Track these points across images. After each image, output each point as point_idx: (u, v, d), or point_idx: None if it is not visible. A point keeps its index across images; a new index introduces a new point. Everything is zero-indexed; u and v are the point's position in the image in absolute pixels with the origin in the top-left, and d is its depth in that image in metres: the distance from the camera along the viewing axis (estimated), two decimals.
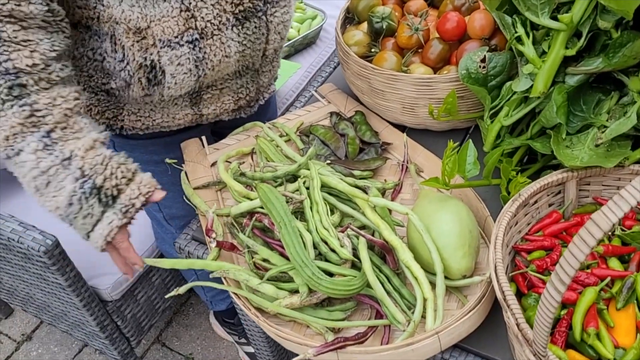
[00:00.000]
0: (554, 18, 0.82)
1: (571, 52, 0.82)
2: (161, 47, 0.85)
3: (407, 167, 0.97)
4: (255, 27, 0.92)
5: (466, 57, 0.92)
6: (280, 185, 0.92)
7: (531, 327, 0.64)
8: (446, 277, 0.78)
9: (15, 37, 0.73)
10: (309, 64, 1.94)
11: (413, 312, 0.76)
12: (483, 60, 0.91)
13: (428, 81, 0.94)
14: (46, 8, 0.75)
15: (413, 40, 1.00)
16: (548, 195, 0.81)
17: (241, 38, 0.91)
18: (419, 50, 1.02)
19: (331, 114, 1.07)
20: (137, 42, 0.84)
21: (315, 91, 1.13)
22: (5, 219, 1.17)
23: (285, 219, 0.81)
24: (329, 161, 0.94)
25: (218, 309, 1.48)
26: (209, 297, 1.42)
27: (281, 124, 1.05)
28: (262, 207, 0.87)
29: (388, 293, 0.78)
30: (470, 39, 0.98)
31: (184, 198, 0.94)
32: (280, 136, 1.04)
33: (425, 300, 0.75)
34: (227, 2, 0.86)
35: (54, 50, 0.77)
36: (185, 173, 0.99)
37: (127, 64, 0.86)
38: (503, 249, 0.72)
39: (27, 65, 0.74)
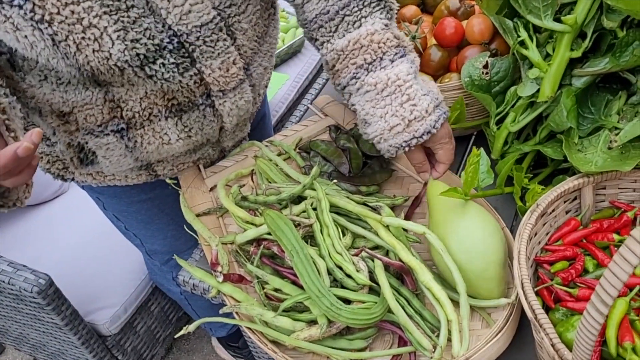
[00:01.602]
0: (557, 20, 0.80)
1: (577, 53, 0.80)
2: (84, 134, 0.80)
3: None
4: (199, 117, 0.85)
5: (468, 64, 0.89)
6: (285, 207, 0.89)
7: (564, 344, 0.62)
8: (469, 296, 0.75)
9: None
10: (296, 74, 1.91)
11: (437, 336, 0.73)
12: (485, 66, 0.89)
13: None
14: None
15: None
16: (565, 203, 0.79)
17: (180, 128, 0.84)
18: None
19: (330, 127, 1.04)
20: (62, 124, 0.79)
21: (311, 104, 1.10)
22: None
23: (297, 246, 0.77)
24: (335, 181, 0.91)
25: (219, 335, 1.44)
26: (207, 325, 1.38)
27: (279, 142, 1.01)
28: (269, 234, 0.84)
29: (410, 317, 0.74)
30: (469, 45, 0.95)
31: (185, 227, 0.90)
32: (279, 154, 1.00)
33: (449, 321, 0.72)
34: (156, 96, 0.79)
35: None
36: (184, 197, 0.95)
37: (57, 142, 0.81)
38: (527, 264, 0.69)
39: None
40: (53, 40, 0.67)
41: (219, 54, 0.79)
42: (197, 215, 0.91)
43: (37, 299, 1.07)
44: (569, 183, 0.77)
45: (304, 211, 0.86)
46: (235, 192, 0.91)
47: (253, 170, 0.96)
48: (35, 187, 1.60)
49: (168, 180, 0.93)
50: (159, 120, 0.82)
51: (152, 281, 1.38)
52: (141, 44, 0.71)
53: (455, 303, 0.74)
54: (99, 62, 0.70)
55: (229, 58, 0.81)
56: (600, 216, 0.79)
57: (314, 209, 0.85)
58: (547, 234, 0.79)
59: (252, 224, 0.87)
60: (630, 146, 0.78)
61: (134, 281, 1.39)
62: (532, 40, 0.84)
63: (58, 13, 0.65)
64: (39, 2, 0.64)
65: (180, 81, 0.78)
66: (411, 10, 1.05)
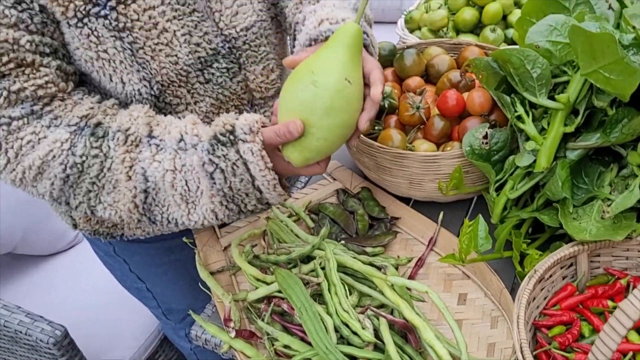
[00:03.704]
0: (552, 98, 0.87)
1: (570, 129, 0.86)
2: None
3: (431, 248, 0.99)
4: None
5: (469, 134, 0.96)
6: (295, 266, 0.93)
7: None
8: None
9: (66, 99, 0.74)
10: None
11: None
12: (485, 137, 0.95)
13: (434, 158, 0.97)
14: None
15: (415, 118, 1.04)
16: (561, 269, 0.83)
17: None
18: (421, 127, 1.06)
19: (338, 191, 1.10)
20: None
21: None
22: (12, 311, 1.15)
23: (306, 304, 0.82)
24: (343, 242, 0.96)
25: None
26: None
27: (290, 204, 1.07)
28: (279, 292, 0.88)
29: None
30: (470, 116, 1.02)
31: (199, 285, 0.95)
32: (290, 215, 1.05)
33: None
34: (213, 112, 0.86)
35: (94, 94, 0.78)
36: (199, 255, 0.99)
37: None
38: (526, 328, 0.73)
39: (86, 110, 0.74)
40: (131, 48, 0.75)
41: (261, 59, 0.89)
42: (212, 273, 0.95)
43: (53, 350, 1.10)
44: (565, 250, 0.82)
45: (312, 270, 0.91)
46: (248, 251, 0.96)
47: (265, 230, 1.02)
48: (50, 238, 1.64)
49: (185, 239, 0.98)
50: None
51: (161, 333, 1.41)
52: (201, 48, 0.81)
53: None
54: (169, 68, 0.78)
55: (269, 64, 0.90)
56: (595, 282, 0.83)
57: (323, 268, 0.90)
58: (545, 298, 0.82)
59: (264, 282, 0.91)
60: (622, 216, 0.82)
61: (144, 333, 1.42)
62: (528, 115, 0.90)
63: (138, 19, 0.74)
64: (123, 10, 0.72)
65: (230, 86, 0.86)
66: (415, 81, 1.12)
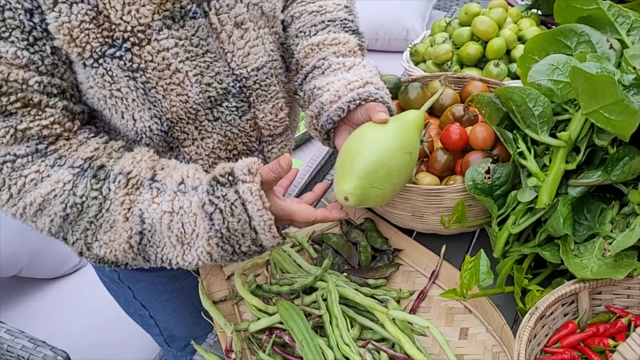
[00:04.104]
0: (553, 135, 0.88)
1: (571, 166, 0.87)
2: None
3: (433, 281, 0.99)
4: None
5: (471, 169, 0.97)
6: (297, 297, 0.93)
7: None
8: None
9: (71, 138, 0.76)
10: (309, 159, 2.01)
11: None
12: (488, 172, 0.96)
13: (437, 192, 0.98)
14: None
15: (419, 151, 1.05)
16: (563, 306, 0.83)
17: None
18: (425, 160, 1.08)
19: (341, 221, 1.11)
20: None
21: (325, 199, 1.17)
22: (15, 335, 1.15)
23: (307, 336, 0.82)
24: (345, 274, 0.96)
25: None
26: None
27: (293, 234, 1.07)
28: (281, 323, 0.88)
29: None
30: (473, 150, 1.03)
31: (201, 314, 0.95)
32: (293, 246, 1.06)
33: None
34: (220, 149, 0.88)
35: (103, 134, 0.80)
36: (202, 284, 1.00)
37: None
38: None
39: (91, 152, 0.76)
40: (144, 88, 0.76)
41: (270, 98, 0.90)
42: (214, 302, 0.96)
43: None
44: (566, 287, 0.82)
45: (314, 301, 0.91)
46: (250, 280, 0.96)
47: (268, 260, 1.02)
48: (55, 262, 1.65)
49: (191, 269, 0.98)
50: None
51: (164, 357, 1.41)
52: (212, 87, 0.82)
53: None
54: (179, 106, 0.80)
55: (278, 103, 0.92)
56: (596, 320, 0.83)
57: (325, 300, 0.90)
58: (546, 335, 0.82)
59: (266, 312, 0.91)
60: (623, 254, 0.83)
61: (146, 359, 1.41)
62: (530, 151, 0.91)
63: (151, 60, 0.76)
64: (137, 52, 0.74)
65: (239, 124, 0.87)
66: None
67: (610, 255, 0.82)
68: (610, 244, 0.83)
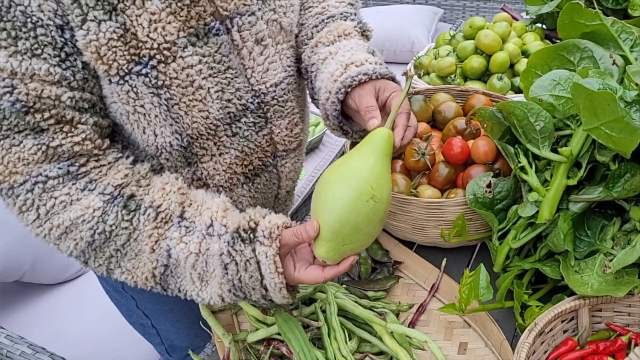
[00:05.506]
0: (554, 150, 0.88)
1: (572, 182, 0.87)
2: None
3: (433, 294, 0.99)
4: (267, 180, 0.94)
5: (472, 182, 0.97)
6: (296, 308, 0.93)
7: None
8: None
9: (101, 159, 0.75)
10: (313, 168, 2.02)
11: None
12: (489, 186, 0.96)
13: (438, 205, 0.98)
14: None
15: (420, 164, 1.06)
16: (562, 322, 0.83)
17: (252, 192, 0.93)
18: (426, 172, 1.08)
19: None
20: None
21: None
22: (15, 341, 1.15)
23: (305, 348, 0.82)
24: (345, 285, 0.96)
25: None
26: None
27: None
28: (279, 334, 0.88)
29: None
30: (474, 164, 1.03)
31: (200, 323, 0.95)
32: None
33: None
34: (237, 164, 0.89)
35: (129, 153, 0.80)
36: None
37: None
38: None
39: (121, 178, 0.76)
40: (167, 104, 0.77)
41: (287, 113, 0.91)
42: (213, 312, 0.96)
43: None
44: (566, 304, 0.81)
45: (313, 313, 0.91)
46: None
47: None
48: (58, 267, 1.66)
49: None
50: (237, 188, 0.91)
51: None
52: (232, 104, 0.83)
53: None
54: (200, 122, 0.81)
55: (293, 119, 0.93)
56: (596, 338, 0.83)
57: (323, 312, 0.90)
58: (545, 352, 0.82)
59: (264, 323, 0.91)
60: (624, 272, 0.82)
61: None
62: (531, 166, 0.91)
63: (176, 77, 0.76)
64: (163, 69, 0.75)
65: (255, 139, 0.88)
66: (422, 127, 1.14)
67: (610, 272, 0.81)
68: (611, 260, 0.83)
